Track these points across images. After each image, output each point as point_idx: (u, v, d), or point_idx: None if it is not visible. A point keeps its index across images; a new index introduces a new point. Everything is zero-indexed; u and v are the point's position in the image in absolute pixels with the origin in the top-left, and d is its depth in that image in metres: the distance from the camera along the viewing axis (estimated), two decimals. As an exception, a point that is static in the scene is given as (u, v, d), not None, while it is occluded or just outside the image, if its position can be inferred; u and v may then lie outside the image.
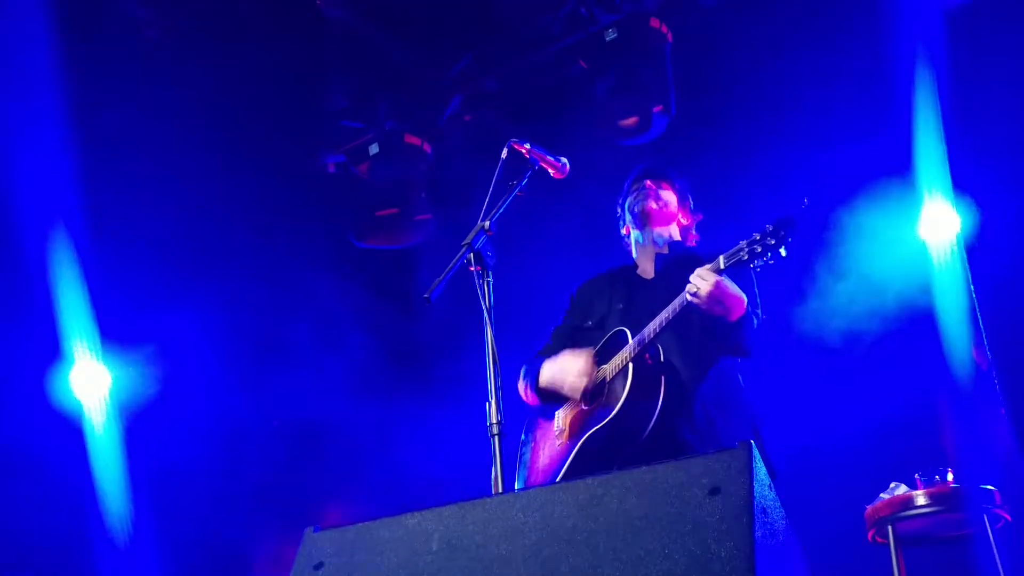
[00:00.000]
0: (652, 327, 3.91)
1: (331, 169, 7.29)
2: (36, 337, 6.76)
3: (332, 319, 7.42)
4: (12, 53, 5.81)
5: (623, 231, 4.52)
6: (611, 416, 3.86)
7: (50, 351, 6.79)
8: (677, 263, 4.22)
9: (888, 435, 5.73)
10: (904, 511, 4.75)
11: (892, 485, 4.88)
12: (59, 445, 6.75)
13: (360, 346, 7.29)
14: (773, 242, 3.62)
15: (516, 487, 4.14)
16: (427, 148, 7.05)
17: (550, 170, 3.97)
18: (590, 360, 4.08)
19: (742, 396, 4.10)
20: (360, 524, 2.86)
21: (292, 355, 7.17)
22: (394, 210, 6.90)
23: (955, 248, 5.75)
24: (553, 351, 4.32)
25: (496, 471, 3.27)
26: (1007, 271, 5.68)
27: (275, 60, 6.60)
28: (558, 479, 3.95)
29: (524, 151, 3.87)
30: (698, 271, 3.77)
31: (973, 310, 5.54)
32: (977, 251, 5.70)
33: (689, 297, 3.77)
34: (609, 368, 4.02)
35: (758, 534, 2.34)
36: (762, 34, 6.16)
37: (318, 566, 2.85)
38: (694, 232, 4.47)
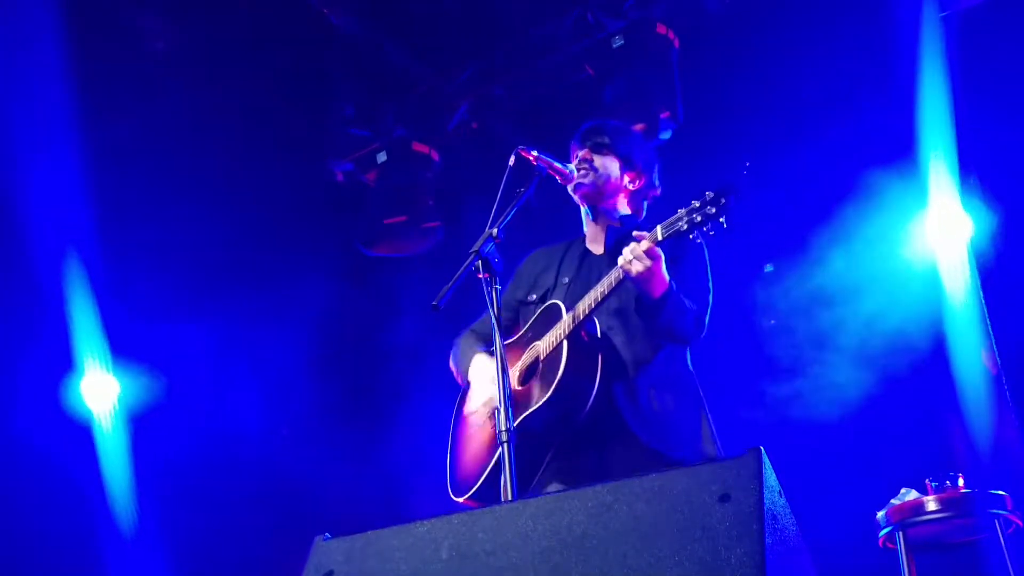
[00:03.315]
0: (587, 302, 3.72)
1: (339, 177, 7.31)
2: (49, 349, 6.81)
3: (338, 325, 7.45)
4: (21, 67, 5.84)
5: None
6: (546, 398, 3.67)
7: (62, 362, 6.85)
8: (629, 241, 3.94)
9: (898, 440, 5.72)
10: (915, 517, 4.74)
11: (903, 491, 4.87)
12: (71, 451, 6.81)
13: (366, 350, 7.31)
14: (713, 211, 3.42)
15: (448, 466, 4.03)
16: (435, 156, 7.06)
17: (557, 177, 3.94)
18: (511, 374, 3.89)
19: (688, 379, 3.92)
20: (370, 532, 2.86)
21: (298, 361, 7.19)
22: (402, 218, 6.91)
23: (964, 251, 5.74)
24: (489, 324, 4.04)
25: (505, 478, 3.25)
26: (1017, 274, 5.67)
27: (282, 69, 6.62)
28: (491, 465, 3.79)
29: (531, 158, 3.82)
30: (635, 242, 3.57)
31: (983, 314, 5.53)
32: (987, 254, 5.69)
33: (622, 263, 3.56)
34: (542, 345, 3.84)
35: (768, 540, 2.33)
36: (769, 39, 6.16)
37: (328, 574, 2.85)
38: (652, 191, 4.21)
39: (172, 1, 6.21)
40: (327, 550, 2.91)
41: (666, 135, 6.11)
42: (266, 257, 7.30)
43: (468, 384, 4.10)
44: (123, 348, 6.96)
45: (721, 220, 3.44)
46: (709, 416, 3.90)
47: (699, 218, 3.45)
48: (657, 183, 4.24)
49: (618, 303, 3.79)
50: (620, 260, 3.59)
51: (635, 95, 6.13)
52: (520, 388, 3.88)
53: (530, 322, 4.02)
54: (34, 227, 6.33)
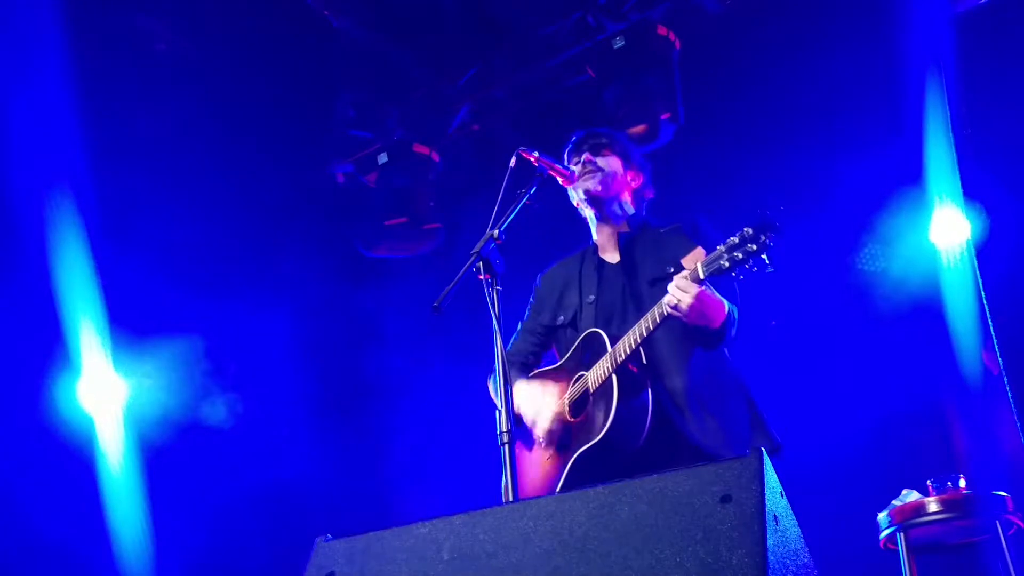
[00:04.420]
0: (633, 336, 3.76)
1: (340, 179, 7.31)
2: (40, 343, 6.69)
3: (338, 327, 7.45)
4: (26, 66, 5.84)
5: (574, 203, 4.28)
6: (603, 433, 3.72)
7: (55, 358, 6.73)
8: (640, 243, 4.09)
9: (900, 442, 5.72)
10: (916, 518, 4.73)
11: (904, 492, 4.86)
12: (65, 468, 6.65)
13: (365, 351, 7.30)
14: (755, 248, 3.40)
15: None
16: (435, 157, 7.06)
17: (558, 178, 3.95)
18: (562, 404, 3.97)
19: (733, 375, 3.94)
20: (371, 533, 2.86)
21: (298, 361, 7.19)
22: (403, 219, 6.91)
23: (965, 254, 5.74)
24: (523, 351, 4.22)
25: (506, 480, 3.26)
26: (1018, 277, 5.67)
27: (284, 70, 6.62)
28: (558, 488, 3.84)
29: (532, 159, 3.84)
30: (676, 281, 3.61)
31: (984, 316, 5.53)
32: (988, 257, 5.68)
33: (670, 310, 3.62)
34: (591, 379, 3.88)
35: (770, 542, 2.33)
36: (770, 41, 6.16)
37: (329, 575, 2.85)
38: (648, 191, 4.25)
39: (173, 3, 6.22)
40: (328, 551, 2.91)
41: (667, 136, 6.12)
42: (266, 258, 7.30)
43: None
44: (122, 349, 6.92)
45: (764, 257, 3.42)
46: (759, 409, 3.91)
47: (740, 255, 3.44)
48: (650, 186, 4.29)
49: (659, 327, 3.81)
50: (667, 299, 3.62)
51: (636, 97, 6.13)
52: (573, 420, 3.93)
53: (571, 351, 4.05)
54: (34, 225, 6.31)
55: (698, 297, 3.58)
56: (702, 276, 3.56)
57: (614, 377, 3.77)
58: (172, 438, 6.93)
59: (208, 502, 6.88)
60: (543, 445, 3.99)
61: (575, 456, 3.82)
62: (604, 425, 3.73)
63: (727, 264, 3.47)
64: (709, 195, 6.15)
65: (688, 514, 2.45)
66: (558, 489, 3.85)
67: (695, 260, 3.58)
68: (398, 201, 6.94)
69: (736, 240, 3.46)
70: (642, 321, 3.75)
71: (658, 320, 3.69)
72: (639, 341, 3.75)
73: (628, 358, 3.77)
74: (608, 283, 4.10)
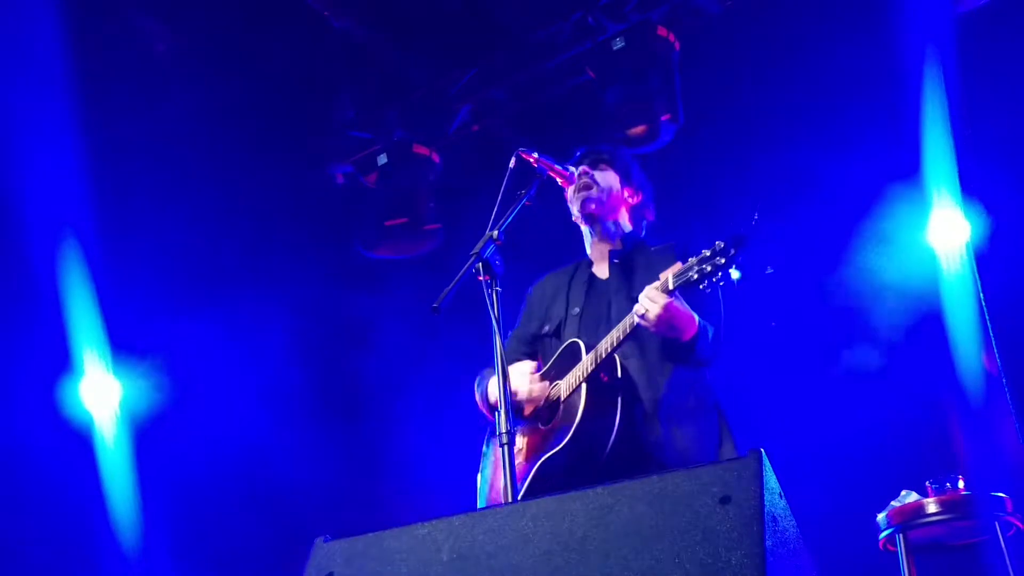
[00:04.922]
0: (604, 346, 3.78)
1: (339, 180, 7.31)
2: (46, 348, 6.78)
3: (338, 327, 7.45)
4: (24, 68, 5.85)
5: (572, 218, 4.28)
6: (567, 439, 3.73)
7: (60, 362, 6.81)
8: (631, 261, 4.11)
9: (899, 442, 5.72)
10: (915, 519, 4.73)
11: (903, 493, 4.86)
12: (69, 458, 6.75)
13: (365, 352, 7.31)
14: (723, 261, 3.45)
15: (478, 504, 4.07)
16: (435, 158, 7.06)
17: (558, 179, 3.97)
18: (535, 378, 3.98)
19: (709, 399, 3.93)
20: (370, 534, 2.86)
21: (298, 362, 7.19)
22: (403, 220, 6.91)
23: (964, 254, 5.74)
24: (511, 358, 4.16)
25: (506, 480, 3.26)
26: (1017, 277, 5.67)
27: (283, 71, 6.62)
28: (525, 485, 3.83)
29: (532, 160, 3.85)
30: (646, 292, 3.64)
31: (983, 316, 5.53)
32: (986, 257, 5.69)
33: (638, 319, 3.64)
34: (563, 386, 3.90)
35: (769, 543, 2.34)
36: (770, 41, 6.16)
37: (328, 576, 2.86)
38: (647, 212, 4.28)
39: (173, 3, 6.22)
40: (328, 552, 2.91)
41: (667, 137, 6.12)
42: (266, 259, 7.30)
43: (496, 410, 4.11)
44: (123, 348, 6.94)
45: (732, 271, 3.47)
46: (733, 437, 3.90)
47: (709, 268, 3.49)
48: (651, 206, 4.31)
49: (636, 336, 3.81)
50: (637, 308, 3.64)
51: (636, 98, 6.13)
52: (543, 428, 3.94)
53: (551, 361, 4.06)
54: (33, 224, 6.33)
55: (666, 307, 3.60)
56: (671, 287, 3.59)
57: (583, 386, 3.79)
58: (169, 439, 6.95)
59: (207, 503, 6.89)
60: (522, 432, 3.98)
61: (539, 462, 3.82)
62: (569, 432, 3.74)
63: (695, 276, 3.52)
64: (709, 195, 6.15)
65: (688, 515, 2.46)
66: (521, 494, 3.79)
67: (670, 273, 3.62)
68: (398, 202, 6.94)
69: (707, 253, 3.51)
70: (613, 331, 3.78)
71: (628, 330, 3.72)
72: (609, 351, 3.77)
73: (599, 368, 3.79)
74: (595, 297, 4.12)
